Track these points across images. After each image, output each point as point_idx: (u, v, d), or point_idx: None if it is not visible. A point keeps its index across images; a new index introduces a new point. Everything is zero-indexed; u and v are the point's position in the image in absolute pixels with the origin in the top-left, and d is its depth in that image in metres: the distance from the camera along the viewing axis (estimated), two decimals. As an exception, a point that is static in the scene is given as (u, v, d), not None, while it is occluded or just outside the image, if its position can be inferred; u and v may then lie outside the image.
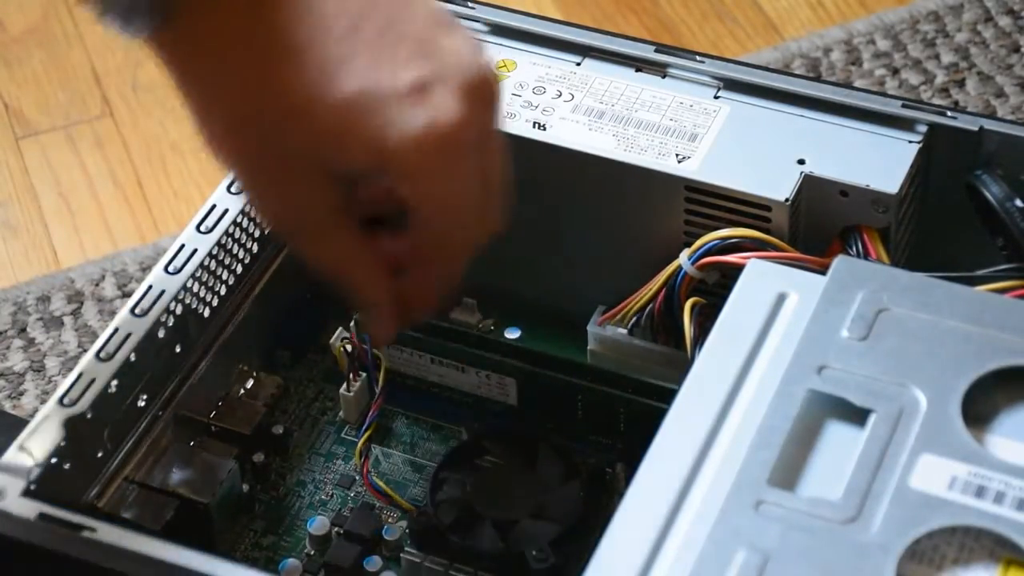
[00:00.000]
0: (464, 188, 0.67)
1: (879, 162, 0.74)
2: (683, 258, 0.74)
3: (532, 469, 0.74)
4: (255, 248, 0.79)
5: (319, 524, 0.76)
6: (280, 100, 0.65)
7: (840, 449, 0.63)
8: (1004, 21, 1.18)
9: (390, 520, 0.76)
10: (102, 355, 0.71)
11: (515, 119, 0.78)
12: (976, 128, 0.75)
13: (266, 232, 0.79)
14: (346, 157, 0.66)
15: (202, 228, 0.76)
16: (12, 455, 0.67)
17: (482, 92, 0.66)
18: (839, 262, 0.68)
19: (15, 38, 1.26)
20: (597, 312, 0.78)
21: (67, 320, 1.05)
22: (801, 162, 0.75)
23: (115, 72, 1.22)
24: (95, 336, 1.01)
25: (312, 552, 0.75)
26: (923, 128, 0.76)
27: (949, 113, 0.76)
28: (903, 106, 0.76)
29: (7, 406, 1.00)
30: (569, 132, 0.77)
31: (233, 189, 0.77)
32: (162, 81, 1.26)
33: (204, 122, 0.67)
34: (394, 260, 0.71)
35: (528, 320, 0.81)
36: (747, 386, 0.65)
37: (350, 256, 0.69)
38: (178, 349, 0.75)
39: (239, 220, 0.77)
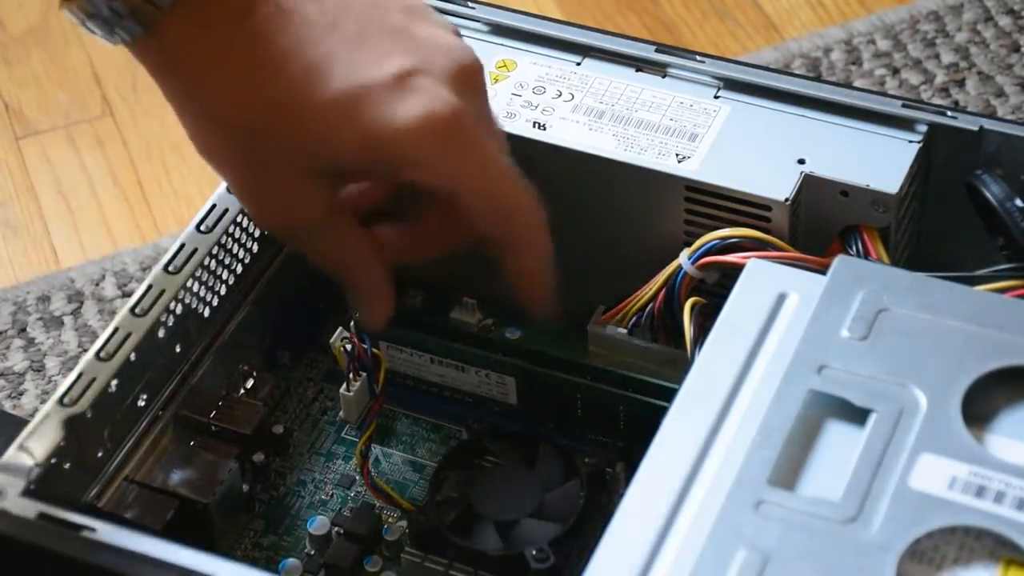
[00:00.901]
0: (482, 164, 0.68)
1: (879, 162, 0.74)
2: (683, 258, 0.74)
3: (532, 469, 0.74)
4: (255, 248, 0.79)
5: (319, 524, 0.76)
6: (266, 105, 0.65)
7: (840, 449, 0.63)
8: (1004, 21, 1.18)
9: (390, 520, 0.76)
10: (102, 355, 0.71)
11: (515, 119, 0.78)
12: (976, 128, 0.75)
13: (264, 233, 0.79)
14: (338, 154, 0.67)
15: (202, 228, 0.76)
16: (12, 455, 0.67)
17: (468, 77, 0.68)
18: (839, 262, 0.68)
19: (15, 38, 1.26)
20: (597, 312, 0.78)
21: (67, 320, 1.05)
22: (801, 162, 0.75)
23: (115, 72, 1.23)
24: (95, 336, 1.01)
25: (312, 552, 0.75)
26: (923, 128, 0.76)
27: (949, 113, 0.76)
28: (903, 106, 0.76)
29: (7, 406, 1.00)
30: (569, 132, 0.77)
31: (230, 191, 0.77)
32: (162, 81, 1.25)
33: (192, 128, 0.68)
34: (399, 249, 0.72)
35: (528, 320, 0.81)
36: (747, 386, 0.65)
37: (346, 250, 0.71)
38: (178, 349, 0.75)
39: (239, 220, 0.77)
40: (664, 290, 0.75)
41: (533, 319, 0.73)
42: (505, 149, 0.71)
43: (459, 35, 0.71)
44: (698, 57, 0.79)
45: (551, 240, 0.71)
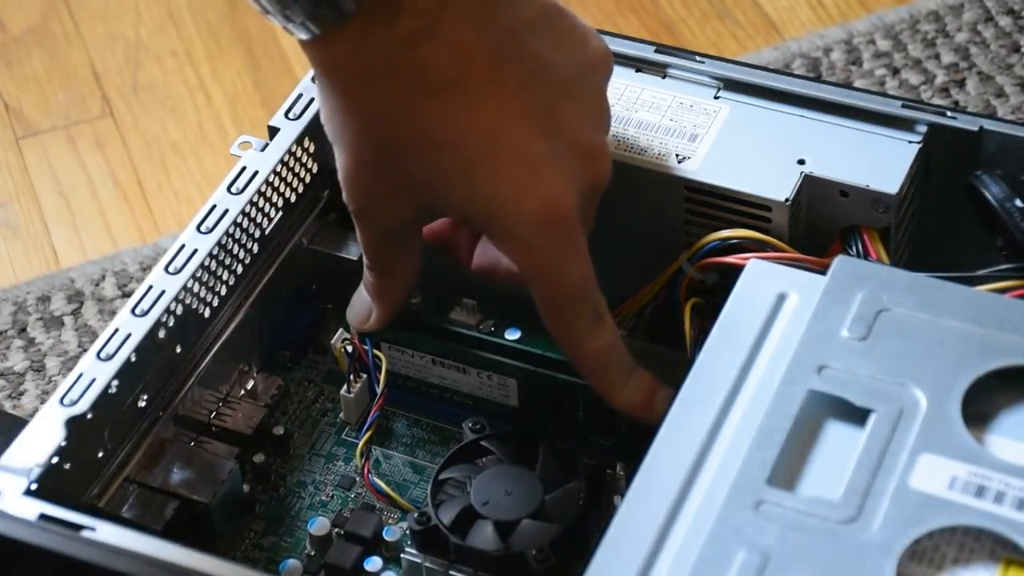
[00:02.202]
0: (559, 264, 0.69)
1: (879, 162, 0.74)
2: (683, 259, 0.74)
3: (532, 469, 0.74)
4: (255, 248, 0.79)
5: (319, 524, 0.76)
6: (409, 131, 0.67)
7: (840, 449, 0.63)
8: (1004, 21, 1.18)
9: (390, 521, 0.76)
10: (102, 355, 0.71)
11: (515, 119, 0.77)
12: (976, 128, 0.75)
13: (265, 233, 0.79)
14: (446, 202, 0.69)
15: (202, 228, 0.76)
16: (12, 455, 0.67)
17: (593, 182, 0.69)
18: (839, 262, 0.68)
19: (15, 38, 1.26)
20: (597, 312, 0.78)
21: (67, 320, 1.05)
22: (801, 162, 0.75)
23: (115, 72, 1.23)
24: (95, 336, 1.01)
25: (312, 553, 0.75)
26: (923, 128, 0.76)
27: (949, 113, 0.76)
28: (903, 106, 0.76)
29: (7, 406, 1.00)
30: (569, 132, 0.77)
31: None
32: (162, 81, 1.26)
33: (335, 115, 0.69)
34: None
35: (528, 320, 0.81)
36: (747, 386, 0.65)
37: (396, 261, 0.74)
38: (178, 349, 0.75)
39: (239, 220, 0.77)
40: (664, 290, 0.75)
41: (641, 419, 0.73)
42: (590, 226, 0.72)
43: (605, 126, 0.72)
44: (698, 57, 0.79)
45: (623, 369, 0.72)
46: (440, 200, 0.70)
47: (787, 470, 0.62)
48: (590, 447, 0.77)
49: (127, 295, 1.05)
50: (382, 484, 0.76)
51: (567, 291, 0.70)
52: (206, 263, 0.75)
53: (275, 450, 0.79)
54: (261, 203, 0.78)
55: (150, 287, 0.74)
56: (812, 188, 0.74)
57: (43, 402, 0.88)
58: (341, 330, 0.79)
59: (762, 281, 0.69)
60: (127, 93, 1.21)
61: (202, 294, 0.76)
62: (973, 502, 0.60)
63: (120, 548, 0.64)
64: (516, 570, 0.70)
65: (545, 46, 0.68)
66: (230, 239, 0.77)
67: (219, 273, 0.77)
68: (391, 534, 0.75)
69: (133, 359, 0.71)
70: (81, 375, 0.70)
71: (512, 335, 0.79)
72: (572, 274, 0.70)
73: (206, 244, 0.75)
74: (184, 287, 0.74)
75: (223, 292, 0.78)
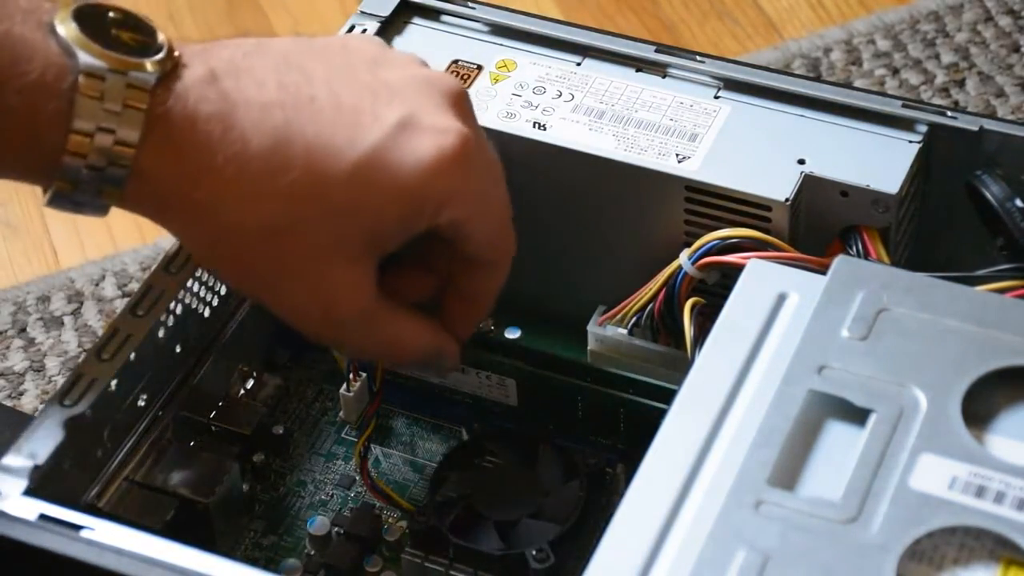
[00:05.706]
0: (497, 178, 0.68)
1: (879, 162, 0.74)
2: (683, 258, 0.74)
3: (532, 469, 0.74)
4: (255, 248, 0.79)
5: (319, 524, 0.76)
6: (285, 200, 0.64)
7: (840, 449, 0.63)
8: (1004, 21, 1.18)
9: (390, 520, 0.76)
10: (102, 355, 0.71)
11: (515, 119, 0.77)
12: (976, 128, 0.75)
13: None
14: (375, 224, 0.65)
15: (202, 228, 0.76)
16: (12, 455, 0.67)
17: (457, 100, 0.68)
18: (839, 262, 0.68)
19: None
20: (597, 312, 0.78)
21: (67, 320, 1.05)
22: (801, 162, 0.75)
23: (115, 72, 1.22)
24: (95, 336, 1.01)
25: (312, 552, 0.76)
26: (923, 128, 0.76)
27: (949, 113, 0.76)
28: (903, 106, 0.76)
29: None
30: (569, 132, 0.77)
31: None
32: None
33: (206, 247, 0.66)
34: (422, 293, 0.71)
35: (528, 320, 0.81)
36: (747, 386, 0.65)
37: (405, 335, 0.69)
38: (178, 349, 0.75)
39: (239, 220, 0.77)
40: (664, 290, 0.75)
41: (453, 354, 0.72)
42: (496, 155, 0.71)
43: (426, 64, 0.70)
44: (698, 57, 0.79)
45: None
46: (371, 230, 0.66)
47: (787, 470, 0.62)
48: (590, 447, 0.77)
49: (127, 295, 1.05)
50: (381, 483, 0.76)
51: (504, 205, 0.69)
52: (206, 263, 0.75)
53: (275, 450, 0.79)
54: (261, 203, 0.78)
55: (150, 287, 0.74)
56: (812, 188, 0.74)
57: (43, 402, 0.88)
58: (341, 330, 0.79)
59: (762, 281, 0.69)
60: (127, 93, 1.21)
61: (202, 294, 0.76)
62: (973, 502, 0.60)
63: (120, 548, 0.64)
64: (516, 570, 0.70)
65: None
66: (230, 239, 0.77)
67: (219, 273, 0.77)
68: (391, 533, 0.75)
69: (133, 359, 0.71)
70: (81, 375, 0.70)
71: (512, 334, 0.79)
72: (500, 186, 0.69)
73: (206, 244, 0.75)
74: (184, 287, 0.74)
75: (223, 292, 0.78)
